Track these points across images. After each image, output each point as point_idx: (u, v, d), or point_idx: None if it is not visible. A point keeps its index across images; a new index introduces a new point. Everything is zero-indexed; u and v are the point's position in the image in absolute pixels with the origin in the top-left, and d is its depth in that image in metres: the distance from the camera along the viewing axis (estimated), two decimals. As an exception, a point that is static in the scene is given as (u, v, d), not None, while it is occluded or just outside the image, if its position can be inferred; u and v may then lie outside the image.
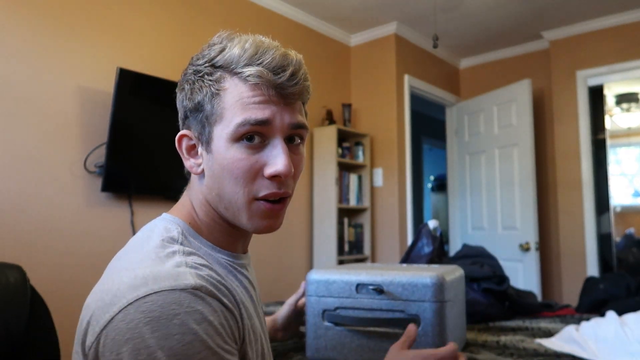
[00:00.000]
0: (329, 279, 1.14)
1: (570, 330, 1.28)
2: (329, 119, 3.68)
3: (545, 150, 4.10)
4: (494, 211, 4.04)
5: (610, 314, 1.30)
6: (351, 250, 3.73)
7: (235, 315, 0.63)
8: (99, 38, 2.52)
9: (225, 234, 0.73)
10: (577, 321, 1.53)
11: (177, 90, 0.74)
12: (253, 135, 0.66)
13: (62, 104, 2.37)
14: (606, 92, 3.77)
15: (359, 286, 1.11)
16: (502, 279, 1.68)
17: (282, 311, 1.24)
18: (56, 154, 2.34)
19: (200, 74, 0.69)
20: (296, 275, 3.52)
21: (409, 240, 3.79)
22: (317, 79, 3.79)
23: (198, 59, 0.70)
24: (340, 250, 3.60)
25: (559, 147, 3.86)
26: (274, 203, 0.69)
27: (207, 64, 0.69)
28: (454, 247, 4.42)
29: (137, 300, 0.56)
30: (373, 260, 3.85)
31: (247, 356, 0.66)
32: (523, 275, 3.76)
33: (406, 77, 3.93)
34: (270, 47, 0.68)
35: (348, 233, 3.71)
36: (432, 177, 7.43)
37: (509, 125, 3.94)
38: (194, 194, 0.73)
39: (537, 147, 4.05)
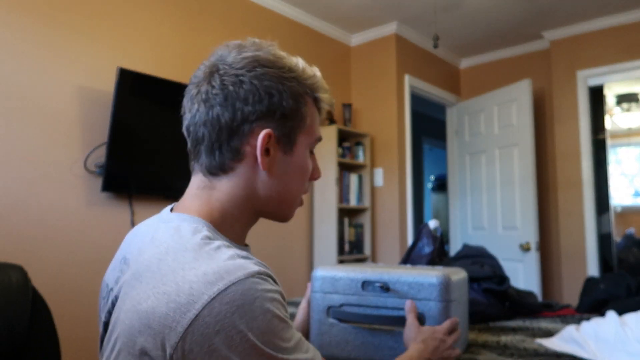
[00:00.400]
0: (335, 276, 1.14)
1: (570, 330, 1.28)
2: (329, 118, 3.68)
3: (546, 150, 4.11)
4: (495, 211, 4.04)
5: (611, 314, 1.30)
6: (351, 250, 3.73)
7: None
8: (99, 38, 2.53)
9: (244, 227, 0.80)
10: (578, 321, 1.53)
11: (240, 80, 0.73)
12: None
13: (63, 104, 2.37)
14: (606, 92, 3.77)
15: (365, 283, 1.11)
16: (503, 279, 1.68)
17: (299, 317, 1.23)
18: (56, 154, 2.34)
19: (290, 84, 0.76)
20: (296, 274, 3.52)
21: (410, 240, 3.79)
22: (317, 79, 3.78)
23: (275, 63, 0.75)
24: (341, 250, 3.60)
25: (560, 147, 3.86)
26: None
27: (291, 76, 0.76)
28: (454, 247, 4.42)
29: (219, 294, 0.61)
30: (373, 260, 3.85)
31: None
32: (523, 275, 3.77)
33: (406, 77, 3.93)
34: (322, 77, 0.83)
35: (348, 233, 3.71)
36: (432, 177, 7.43)
37: (510, 125, 3.94)
38: (235, 188, 0.76)
39: (538, 147, 4.05)
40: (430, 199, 7.41)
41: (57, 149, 2.34)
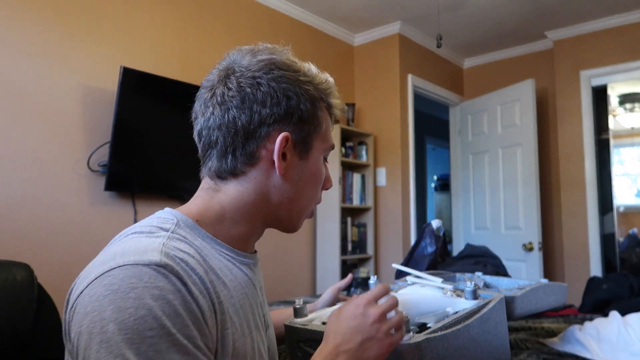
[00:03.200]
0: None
1: (573, 330, 1.29)
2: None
3: (549, 150, 4.10)
4: (498, 211, 4.04)
5: (614, 314, 1.30)
6: (354, 249, 3.73)
7: (201, 304, 0.60)
8: (103, 37, 2.53)
9: (247, 233, 0.76)
10: (580, 321, 1.53)
11: (258, 83, 0.72)
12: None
13: (66, 103, 2.38)
14: (610, 92, 3.76)
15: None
16: (505, 278, 1.68)
17: (325, 296, 1.21)
18: (59, 153, 2.35)
19: (308, 89, 0.75)
20: (299, 274, 3.52)
21: (412, 239, 3.79)
22: (320, 79, 3.79)
23: (291, 67, 0.74)
24: (344, 250, 3.60)
25: (563, 147, 3.85)
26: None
27: (308, 82, 0.75)
28: (457, 247, 4.42)
29: (102, 274, 0.57)
30: (376, 259, 3.85)
31: (226, 350, 0.64)
32: (526, 275, 3.76)
33: (410, 77, 3.93)
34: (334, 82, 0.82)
35: (351, 232, 3.71)
36: (435, 177, 7.42)
37: (513, 125, 3.94)
38: (240, 194, 0.73)
39: (541, 147, 4.04)
40: (433, 198, 7.40)
41: (60, 147, 2.34)
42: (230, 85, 0.72)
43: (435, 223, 1.84)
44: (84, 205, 2.41)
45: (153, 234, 0.65)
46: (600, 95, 3.80)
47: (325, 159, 0.81)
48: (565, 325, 1.50)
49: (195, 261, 0.64)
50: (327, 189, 0.83)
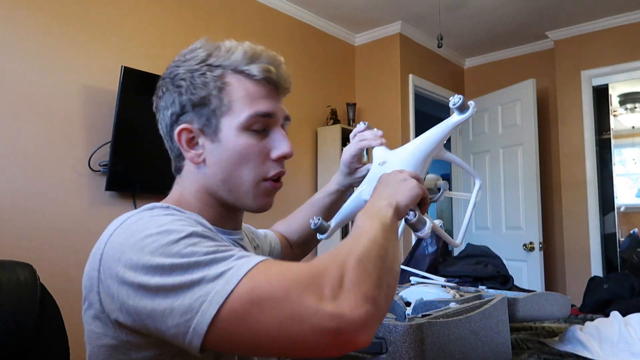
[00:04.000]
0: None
1: (574, 330, 1.29)
2: (334, 118, 3.69)
3: (550, 150, 4.10)
4: (498, 211, 4.04)
5: (614, 314, 1.30)
6: (355, 249, 3.72)
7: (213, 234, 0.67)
8: (103, 36, 2.53)
9: (217, 215, 0.80)
10: (581, 321, 1.53)
11: (162, 91, 0.79)
12: (260, 125, 0.76)
13: (67, 103, 2.38)
14: (611, 92, 3.76)
15: None
16: (506, 278, 1.69)
17: (344, 156, 1.08)
18: (60, 153, 2.35)
19: (200, 72, 0.75)
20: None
21: (413, 239, 3.79)
22: (321, 78, 3.79)
23: (186, 61, 0.77)
24: (344, 250, 3.59)
25: (564, 147, 3.85)
26: (276, 181, 0.80)
27: (202, 64, 0.76)
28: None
29: (120, 225, 0.65)
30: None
31: None
32: (527, 275, 3.76)
33: (410, 77, 3.93)
34: (263, 49, 0.78)
35: (352, 232, 3.70)
36: (436, 177, 7.41)
37: (514, 125, 3.94)
38: (188, 184, 0.80)
39: (542, 147, 4.04)
40: (434, 198, 7.39)
41: (61, 147, 2.35)
42: (154, 98, 0.83)
43: (436, 222, 1.83)
44: (84, 205, 2.41)
45: (149, 209, 0.71)
46: (601, 95, 3.80)
47: (256, 128, 0.76)
48: (566, 325, 1.50)
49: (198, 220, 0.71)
50: (285, 158, 0.79)
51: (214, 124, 0.75)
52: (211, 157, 0.76)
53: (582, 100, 3.77)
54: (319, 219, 0.95)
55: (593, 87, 3.77)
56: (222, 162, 0.76)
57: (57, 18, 2.36)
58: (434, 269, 1.72)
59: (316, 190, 3.66)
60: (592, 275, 3.49)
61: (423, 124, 6.19)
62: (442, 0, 3.39)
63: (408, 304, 1.03)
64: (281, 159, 0.79)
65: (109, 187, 2.42)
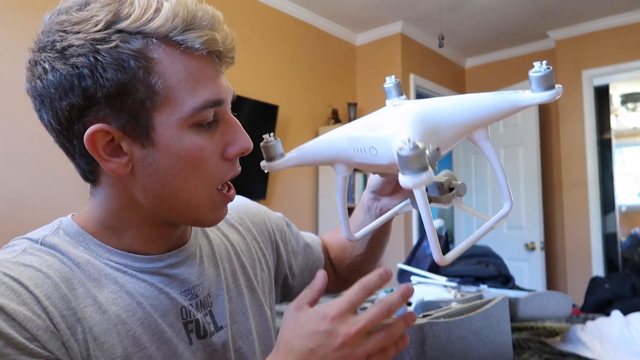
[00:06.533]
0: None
1: (575, 329, 1.29)
2: (335, 118, 3.69)
3: (551, 150, 4.10)
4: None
5: (616, 314, 1.30)
6: (356, 249, 3.73)
7: (25, 324, 0.49)
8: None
9: (145, 238, 0.61)
10: (583, 321, 1.53)
11: (42, 69, 0.55)
12: (208, 117, 0.56)
13: (70, 103, 2.38)
14: (612, 91, 3.76)
15: None
16: (508, 278, 1.69)
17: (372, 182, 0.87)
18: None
19: (109, 44, 0.50)
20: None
21: (414, 239, 3.80)
22: (322, 78, 3.79)
23: (78, 24, 0.52)
24: (345, 249, 3.59)
25: (565, 147, 3.85)
26: (230, 186, 0.62)
27: (108, 30, 0.51)
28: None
29: None
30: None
31: None
32: (528, 274, 3.76)
33: (412, 77, 3.93)
34: (195, 2, 0.54)
35: (353, 232, 3.70)
36: (436, 177, 7.41)
37: (515, 125, 3.94)
38: (107, 201, 0.60)
39: (543, 146, 4.04)
40: (435, 198, 7.39)
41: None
42: (28, 73, 0.58)
43: (437, 223, 1.84)
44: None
45: (8, 247, 0.57)
46: (602, 95, 3.80)
47: (207, 123, 0.56)
48: (568, 324, 1.50)
49: (43, 275, 0.53)
50: (243, 154, 0.59)
51: (142, 121, 0.53)
52: (142, 167, 0.56)
53: (583, 99, 3.77)
54: (271, 135, 0.68)
55: (594, 86, 3.77)
56: (159, 174, 0.55)
57: (58, 18, 2.37)
58: (435, 269, 1.72)
59: (317, 190, 3.66)
60: (593, 275, 3.50)
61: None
62: (444, 0, 3.39)
63: (409, 303, 1.03)
64: (237, 157, 0.60)
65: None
